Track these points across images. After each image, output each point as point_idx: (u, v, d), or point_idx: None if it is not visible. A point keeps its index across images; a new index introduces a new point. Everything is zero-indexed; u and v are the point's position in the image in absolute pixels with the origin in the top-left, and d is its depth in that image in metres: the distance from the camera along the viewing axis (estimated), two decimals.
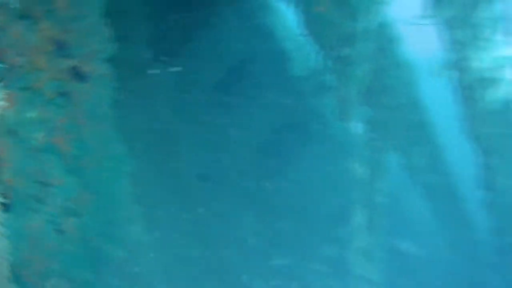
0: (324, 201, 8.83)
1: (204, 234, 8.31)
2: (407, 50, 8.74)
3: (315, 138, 9.02)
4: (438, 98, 8.72)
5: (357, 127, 8.59)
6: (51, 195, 6.24)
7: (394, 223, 8.86)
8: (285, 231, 8.59)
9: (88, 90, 6.71)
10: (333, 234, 8.65)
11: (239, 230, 8.49)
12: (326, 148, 8.95)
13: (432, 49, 7.95)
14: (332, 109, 8.44)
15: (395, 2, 8.11)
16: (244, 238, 8.47)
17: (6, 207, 5.72)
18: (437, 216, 10.04)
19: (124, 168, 7.12)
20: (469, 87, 7.64)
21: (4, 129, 5.93)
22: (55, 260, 6.28)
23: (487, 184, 8.64)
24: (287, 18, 9.37)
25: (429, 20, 7.44)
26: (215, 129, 8.84)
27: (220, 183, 8.67)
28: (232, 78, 9.17)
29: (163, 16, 8.91)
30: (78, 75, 6.59)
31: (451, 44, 7.57)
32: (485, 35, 7.41)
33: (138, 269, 7.33)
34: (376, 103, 8.63)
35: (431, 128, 9.37)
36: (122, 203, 7.20)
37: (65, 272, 6.41)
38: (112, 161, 7.09)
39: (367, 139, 8.60)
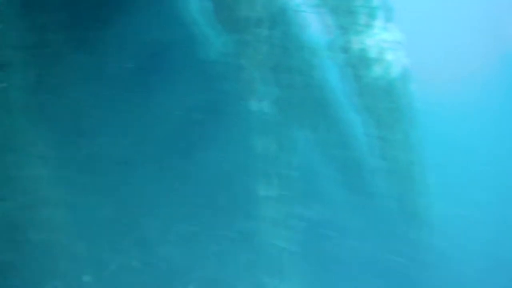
0: (235, 177, 9.23)
1: (125, 215, 8.56)
2: (307, 34, 9.35)
3: (225, 118, 9.39)
4: (337, 78, 9.41)
5: (264, 106, 9.01)
6: None
7: (304, 194, 9.36)
8: (199, 206, 8.96)
9: (5, 78, 6.91)
10: (246, 207, 9.07)
11: (157, 207, 8.79)
12: (235, 126, 9.33)
13: (323, 34, 8.67)
14: (240, 90, 8.94)
15: None
16: (161, 214, 8.79)
17: None
18: (343, 186, 10.84)
19: (44, 153, 7.36)
20: (354, 67, 8.45)
21: None
22: None
23: (381, 154, 9.54)
24: (196, 5, 9.81)
25: (317, 8, 8.17)
26: (131, 113, 9.06)
27: (137, 165, 8.91)
28: (146, 64, 9.50)
29: (78, 4, 9.10)
30: None
31: (336, 29, 8.36)
32: (364, 21, 8.24)
33: (60, 252, 7.51)
34: (282, 83, 9.08)
35: (334, 105, 9.94)
36: (42, 187, 7.42)
37: None
38: (31, 147, 7.31)
39: (275, 117, 9.04)
